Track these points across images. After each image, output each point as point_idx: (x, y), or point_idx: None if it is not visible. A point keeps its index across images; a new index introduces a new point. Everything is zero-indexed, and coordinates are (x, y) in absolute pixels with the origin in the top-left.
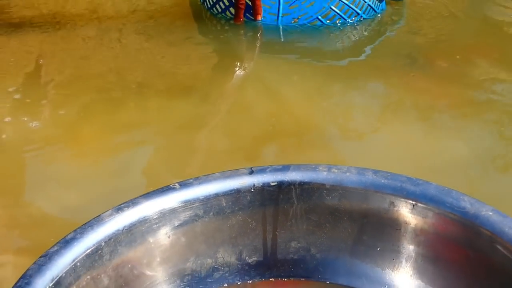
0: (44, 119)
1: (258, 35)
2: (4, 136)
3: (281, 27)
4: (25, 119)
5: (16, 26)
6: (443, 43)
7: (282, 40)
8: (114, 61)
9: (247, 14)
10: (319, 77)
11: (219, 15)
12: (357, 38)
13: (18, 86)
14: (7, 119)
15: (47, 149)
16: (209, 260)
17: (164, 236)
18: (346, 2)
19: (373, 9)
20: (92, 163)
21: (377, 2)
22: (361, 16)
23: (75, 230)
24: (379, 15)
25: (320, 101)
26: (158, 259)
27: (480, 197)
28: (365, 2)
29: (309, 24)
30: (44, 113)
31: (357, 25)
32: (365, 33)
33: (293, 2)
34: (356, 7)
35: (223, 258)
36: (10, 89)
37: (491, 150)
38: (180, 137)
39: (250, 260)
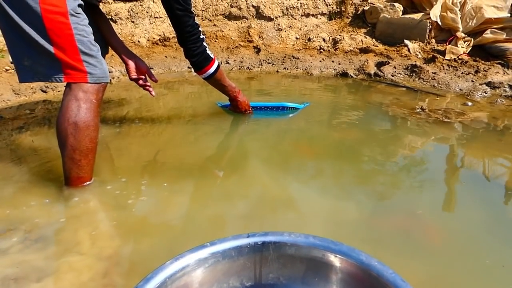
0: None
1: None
2: None
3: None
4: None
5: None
6: None
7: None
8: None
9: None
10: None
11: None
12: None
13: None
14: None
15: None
16: (225, 285)
17: (200, 272)
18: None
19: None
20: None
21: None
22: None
23: (152, 272)
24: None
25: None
26: (197, 285)
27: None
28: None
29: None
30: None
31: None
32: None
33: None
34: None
35: (232, 283)
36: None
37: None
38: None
39: (247, 284)
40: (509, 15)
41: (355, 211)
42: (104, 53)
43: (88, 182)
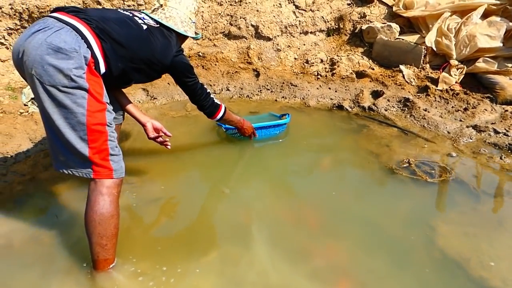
0: None
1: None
2: None
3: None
4: None
5: None
6: None
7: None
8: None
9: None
10: None
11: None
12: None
13: None
14: None
15: None
16: None
17: None
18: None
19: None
20: None
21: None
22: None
23: None
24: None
25: None
26: None
27: None
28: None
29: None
30: None
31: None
32: None
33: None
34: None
35: None
36: None
37: None
38: None
39: None
40: (501, 44)
41: None
42: (120, 121)
43: (112, 264)
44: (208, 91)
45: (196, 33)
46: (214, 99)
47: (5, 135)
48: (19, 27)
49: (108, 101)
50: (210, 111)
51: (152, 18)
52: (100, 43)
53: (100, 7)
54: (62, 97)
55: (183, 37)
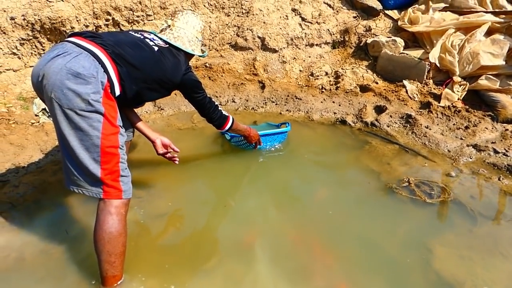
0: None
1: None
2: None
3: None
4: None
5: None
6: None
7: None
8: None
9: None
10: None
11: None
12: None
13: None
14: None
15: None
16: None
17: None
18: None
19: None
20: None
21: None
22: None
23: None
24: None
25: None
26: None
27: None
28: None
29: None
30: None
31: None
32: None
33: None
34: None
35: None
36: None
37: None
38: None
39: None
40: (504, 62)
41: None
42: (130, 138)
43: (120, 281)
44: (216, 104)
45: (202, 51)
46: (222, 111)
47: (17, 146)
48: (31, 37)
49: (121, 124)
50: (219, 123)
51: (161, 38)
52: (116, 67)
53: (110, 17)
54: (79, 120)
55: (191, 55)
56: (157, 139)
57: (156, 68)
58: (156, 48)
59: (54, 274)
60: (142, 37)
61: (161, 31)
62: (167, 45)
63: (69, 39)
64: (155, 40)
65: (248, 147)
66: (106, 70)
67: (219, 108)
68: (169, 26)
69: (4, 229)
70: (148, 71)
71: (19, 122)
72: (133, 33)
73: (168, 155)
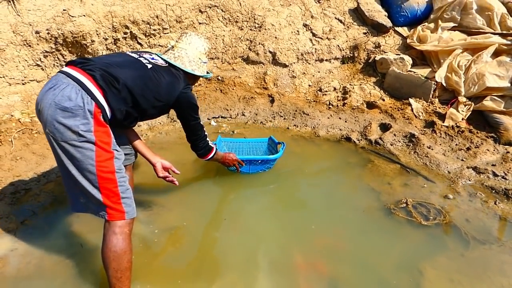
0: None
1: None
2: None
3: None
4: None
5: None
6: None
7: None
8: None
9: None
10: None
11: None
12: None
13: None
14: None
15: None
16: None
17: None
18: (268, 167)
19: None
20: None
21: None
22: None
23: None
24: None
25: None
26: None
27: None
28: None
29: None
30: None
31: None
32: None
33: (252, 169)
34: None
35: None
36: None
37: None
38: None
39: None
40: (509, 84)
41: None
42: (132, 160)
43: None
44: (206, 133)
45: (207, 72)
46: (209, 142)
47: (39, 155)
48: (54, 50)
49: (117, 148)
50: (203, 152)
51: (162, 58)
52: (102, 91)
53: (128, 31)
54: (73, 151)
55: (193, 76)
56: (158, 162)
57: (149, 84)
58: (149, 66)
59: (72, 282)
60: (137, 56)
61: (165, 52)
62: (166, 65)
63: (63, 69)
64: (154, 59)
65: (229, 169)
66: (93, 97)
67: (208, 139)
68: (172, 47)
69: (26, 237)
70: (137, 90)
71: (41, 132)
72: (130, 53)
73: (168, 178)
